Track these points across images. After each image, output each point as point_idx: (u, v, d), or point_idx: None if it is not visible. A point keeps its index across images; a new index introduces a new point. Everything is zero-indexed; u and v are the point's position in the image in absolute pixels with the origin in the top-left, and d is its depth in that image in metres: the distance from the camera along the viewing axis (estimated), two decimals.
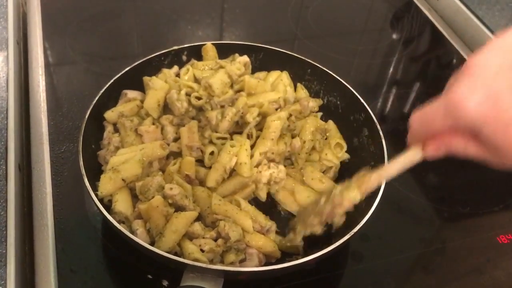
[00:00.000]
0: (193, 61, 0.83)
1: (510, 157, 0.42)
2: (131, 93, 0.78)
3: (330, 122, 0.81)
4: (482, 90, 0.40)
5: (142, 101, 0.78)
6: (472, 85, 0.40)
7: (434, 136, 0.48)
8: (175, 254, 0.62)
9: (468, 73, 0.41)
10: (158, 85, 0.77)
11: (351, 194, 0.58)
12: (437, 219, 0.80)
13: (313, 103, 0.82)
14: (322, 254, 0.59)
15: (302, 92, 0.84)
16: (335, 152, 0.77)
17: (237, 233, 0.63)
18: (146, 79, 0.79)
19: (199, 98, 0.76)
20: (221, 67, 0.81)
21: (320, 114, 0.83)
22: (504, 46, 0.41)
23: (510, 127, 0.39)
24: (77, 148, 0.65)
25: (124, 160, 0.67)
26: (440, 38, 1.16)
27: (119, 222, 0.60)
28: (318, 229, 0.62)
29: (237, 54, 0.85)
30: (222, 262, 0.64)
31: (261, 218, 0.68)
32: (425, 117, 0.47)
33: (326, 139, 0.79)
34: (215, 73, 0.79)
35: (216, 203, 0.66)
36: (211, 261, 0.62)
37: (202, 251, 0.63)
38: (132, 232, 0.62)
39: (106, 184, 0.65)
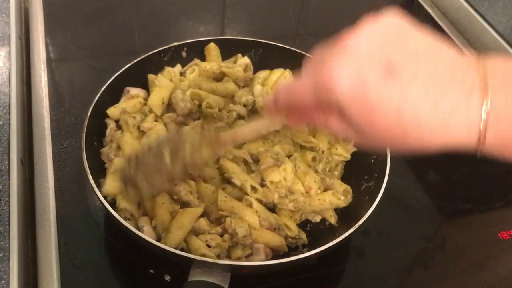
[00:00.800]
0: (197, 60, 0.83)
1: (372, 140, 0.43)
2: (134, 90, 0.78)
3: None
4: (352, 70, 0.39)
5: (144, 99, 0.78)
6: (343, 63, 0.39)
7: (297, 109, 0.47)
8: (182, 249, 0.62)
9: (340, 52, 0.40)
10: (164, 83, 0.77)
11: (205, 156, 0.58)
12: (438, 215, 0.80)
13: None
14: (324, 250, 0.59)
15: None
16: (345, 145, 0.76)
17: (244, 229, 0.63)
18: (151, 77, 0.79)
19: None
20: (222, 73, 0.81)
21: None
22: (377, 30, 0.40)
23: (373, 115, 0.39)
24: (80, 146, 0.65)
25: None
26: (442, 35, 1.16)
27: (124, 219, 0.60)
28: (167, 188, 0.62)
29: (239, 55, 0.85)
30: (229, 257, 0.64)
31: (272, 217, 0.67)
32: (292, 91, 0.46)
33: None
34: (215, 86, 0.79)
35: (222, 199, 0.66)
36: (218, 256, 0.62)
37: (209, 246, 0.63)
38: (138, 229, 0.62)
39: (111, 184, 0.65)
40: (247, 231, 0.64)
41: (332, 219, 0.70)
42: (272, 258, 0.65)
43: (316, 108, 0.44)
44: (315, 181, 0.69)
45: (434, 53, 0.40)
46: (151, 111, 0.76)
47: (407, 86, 0.38)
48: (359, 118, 0.40)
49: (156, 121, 0.75)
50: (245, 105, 0.77)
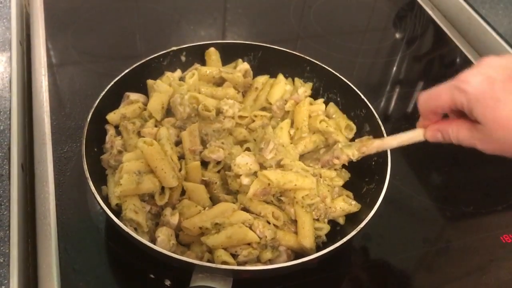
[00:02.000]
0: (197, 65, 0.83)
1: (495, 137, 0.50)
2: (133, 96, 0.78)
3: (331, 105, 0.81)
4: (483, 75, 0.49)
5: (144, 104, 0.78)
6: (477, 71, 0.50)
7: (436, 120, 0.57)
8: (208, 261, 0.62)
9: (476, 65, 0.52)
10: (163, 88, 0.77)
11: (350, 151, 0.68)
12: (440, 218, 0.80)
13: (303, 88, 0.82)
14: (325, 253, 0.59)
15: (299, 84, 0.84)
16: (346, 133, 0.77)
17: (272, 231, 0.65)
18: (150, 82, 0.79)
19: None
20: (222, 78, 0.81)
21: (321, 100, 0.82)
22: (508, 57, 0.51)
23: (498, 108, 0.48)
24: (80, 152, 0.65)
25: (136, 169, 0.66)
26: (443, 37, 1.16)
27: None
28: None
29: (240, 60, 0.85)
30: (258, 261, 0.64)
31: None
32: (432, 94, 0.55)
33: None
34: (214, 91, 0.79)
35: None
36: (246, 263, 0.63)
37: (234, 256, 0.63)
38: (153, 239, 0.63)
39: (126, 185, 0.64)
40: (274, 233, 0.65)
41: (341, 220, 0.71)
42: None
43: (450, 121, 0.56)
44: (328, 190, 0.70)
45: None
46: (151, 116, 0.75)
47: None
48: (484, 112, 0.49)
49: (156, 126, 0.75)
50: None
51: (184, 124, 0.74)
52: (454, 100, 0.51)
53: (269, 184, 0.65)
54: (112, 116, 0.74)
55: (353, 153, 0.67)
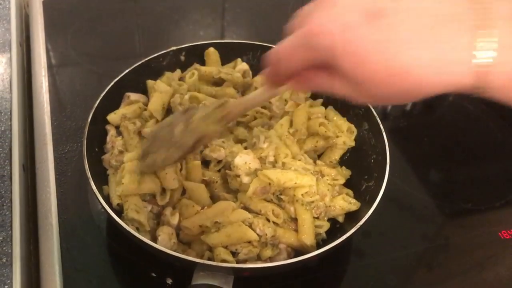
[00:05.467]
0: (196, 65, 0.84)
1: (368, 92, 0.41)
2: (134, 96, 0.78)
3: (330, 108, 0.81)
4: (338, 21, 0.39)
5: (144, 104, 0.78)
6: (330, 15, 0.40)
7: (297, 73, 0.45)
8: (208, 259, 0.63)
9: (325, 6, 0.41)
10: (163, 88, 0.77)
11: (214, 126, 0.60)
12: (439, 215, 0.80)
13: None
14: (325, 251, 0.59)
15: None
16: (349, 136, 0.77)
17: (272, 229, 0.65)
18: (150, 82, 0.80)
19: None
20: (221, 79, 0.81)
21: (320, 100, 0.83)
22: None
23: (363, 62, 0.38)
24: (81, 152, 0.65)
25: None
26: None
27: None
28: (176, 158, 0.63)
29: (239, 60, 0.85)
30: (259, 259, 0.64)
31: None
32: (283, 52, 0.44)
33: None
34: (214, 90, 0.80)
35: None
36: (246, 261, 0.63)
37: (233, 253, 0.63)
38: (154, 238, 0.64)
39: (127, 185, 0.65)
40: (274, 231, 0.65)
41: (340, 218, 0.71)
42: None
43: (315, 70, 0.44)
44: (328, 189, 0.71)
45: None
46: (151, 116, 0.76)
47: (391, 27, 0.37)
48: (350, 64, 0.39)
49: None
50: None
51: None
52: (309, 59, 0.42)
53: (269, 184, 0.66)
54: (112, 117, 0.75)
55: (216, 125, 0.60)
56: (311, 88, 0.47)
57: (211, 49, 0.84)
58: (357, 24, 0.38)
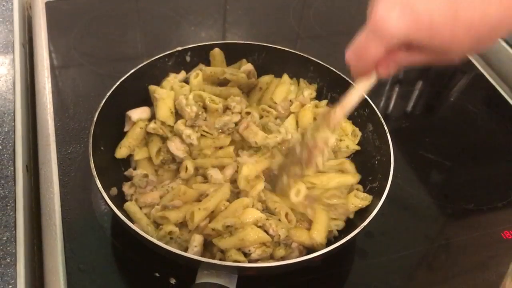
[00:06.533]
0: (201, 65, 0.84)
1: (451, 52, 0.46)
2: (135, 114, 0.76)
3: None
4: (397, 4, 0.43)
5: (149, 114, 0.78)
6: (387, 4, 0.44)
7: (378, 61, 0.49)
8: (220, 259, 0.63)
9: None
10: (165, 94, 0.77)
11: (323, 134, 0.60)
12: (441, 215, 0.80)
13: (308, 90, 0.83)
14: (328, 251, 0.59)
15: (304, 86, 0.85)
16: (352, 139, 0.78)
17: (285, 230, 0.65)
18: (151, 88, 0.79)
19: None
20: (226, 79, 0.81)
21: (325, 101, 0.83)
22: None
23: (436, 30, 0.43)
24: (84, 152, 0.65)
25: None
26: None
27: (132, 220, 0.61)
28: (309, 172, 0.64)
29: (244, 60, 0.86)
30: (272, 257, 0.65)
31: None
32: (358, 51, 0.49)
33: None
34: (218, 91, 0.80)
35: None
36: (259, 260, 0.64)
37: (245, 254, 0.63)
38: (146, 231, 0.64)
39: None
40: (287, 231, 0.65)
41: (352, 215, 0.71)
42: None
43: (393, 52, 0.48)
44: (345, 187, 0.72)
45: None
46: (163, 123, 0.75)
47: None
48: (425, 39, 0.44)
49: (171, 132, 0.75)
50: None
51: (195, 123, 0.75)
52: (385, 46, 0.46)
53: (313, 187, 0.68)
54: (120, 152, 0.74)
55: (327, 135, 0.60)
56: (395, 69, 0.51)
57: (217, 49, 0.84)
58: (417, 3, 0.42)
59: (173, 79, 0.81)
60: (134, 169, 0.74)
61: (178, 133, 0.73)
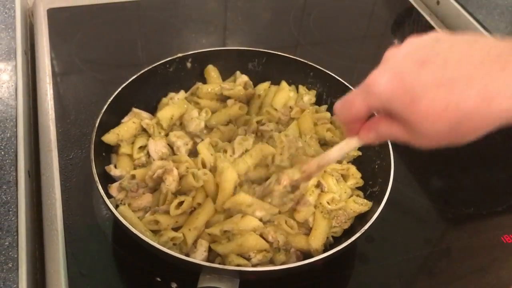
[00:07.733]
0: (198, 84, 0.84)
1: (423, 131, 0.44)
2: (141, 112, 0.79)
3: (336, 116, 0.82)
4: (390, 72, 0.45)
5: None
6: (383, 69, 0.46)
7: (362, 124, 0.52)
8: (219, 263, 0.64)
9: (382, 63, 0.47)
10: (177, 103, 0.79)
11: (291, 172, 0.63)
12: (441, 220, 0.81)
13: (308, 96, 0.83)
14: (329, 255, 0.60)
15: (304, 92, 0.86)
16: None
17: (284, 236, 0.66)
18: (165, 100, 0.82)
19: None
20: (223, 94, 0.82)
21: (325, 106, 0.84)
22: (415, 42, 0.46)
23: (415, 102, 0.42)
24: (86, 158, 0.66)
25: None
26: None
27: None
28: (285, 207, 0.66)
29: (238, 72, 0.86)
30: (272, 262, 0.65)
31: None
32: (345, 103, 0.51)
33: None
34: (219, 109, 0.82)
35: None
36: (259, 265, 0.64)
37: (245, 259, 0.64)
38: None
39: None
40: (286, 237, 0.66)
41: (351, 220, 0.72)
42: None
43: (378, 120, 0.50)
44: (345, 192, 0.72)
45: (469, 41, 0.43)
46: (158, 123, 0.76)
47: (439, 70, 0.42)
48: (403, 110, 0.44)
49: (167, 135, 0.76)
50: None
51: (192, 138, 0.76)
52: (368, 105, 0.48)
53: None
54: (107, 137, 0.74)
55: (294, 173, 0.63)
56: (376, 137, 0.52)
57: (210, 66, 0.85)
58: (408, 70, 0.43)
59: (176, 96, 0.83)
60: (115, 166, 0.73)
61: (170, 141, 0.74)
